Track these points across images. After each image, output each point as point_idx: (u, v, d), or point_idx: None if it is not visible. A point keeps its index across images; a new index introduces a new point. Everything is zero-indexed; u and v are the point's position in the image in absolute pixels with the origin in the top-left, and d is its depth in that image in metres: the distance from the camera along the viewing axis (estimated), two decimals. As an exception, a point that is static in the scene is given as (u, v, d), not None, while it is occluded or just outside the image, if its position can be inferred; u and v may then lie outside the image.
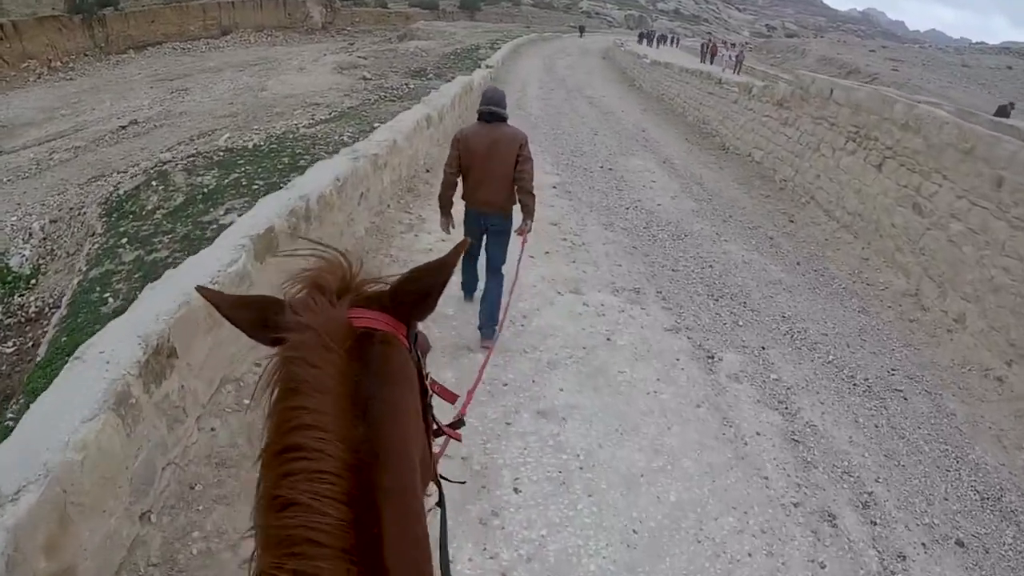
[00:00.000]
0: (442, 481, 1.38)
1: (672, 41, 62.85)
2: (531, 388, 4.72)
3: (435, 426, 1.31)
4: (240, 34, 69.74)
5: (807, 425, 4.97)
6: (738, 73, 27.67)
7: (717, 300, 6.92)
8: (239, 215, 9.62)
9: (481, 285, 5.46)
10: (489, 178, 5.00)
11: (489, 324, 5.19)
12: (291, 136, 15.19)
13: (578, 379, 4.93)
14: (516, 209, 5.25)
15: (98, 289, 8.94)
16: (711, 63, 35.26)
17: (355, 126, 15.35)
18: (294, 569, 0.76)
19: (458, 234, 5.48)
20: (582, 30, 70.32)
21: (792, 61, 48.12)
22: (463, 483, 2.47)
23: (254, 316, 1.02)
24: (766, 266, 8.11)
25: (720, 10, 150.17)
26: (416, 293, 1.04)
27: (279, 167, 12.08)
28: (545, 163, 11.09)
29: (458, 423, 1.55)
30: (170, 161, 14.64)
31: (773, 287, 7.51)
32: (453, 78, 22.42)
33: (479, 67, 22.91)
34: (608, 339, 5.62)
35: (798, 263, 8.45)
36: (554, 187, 9.93)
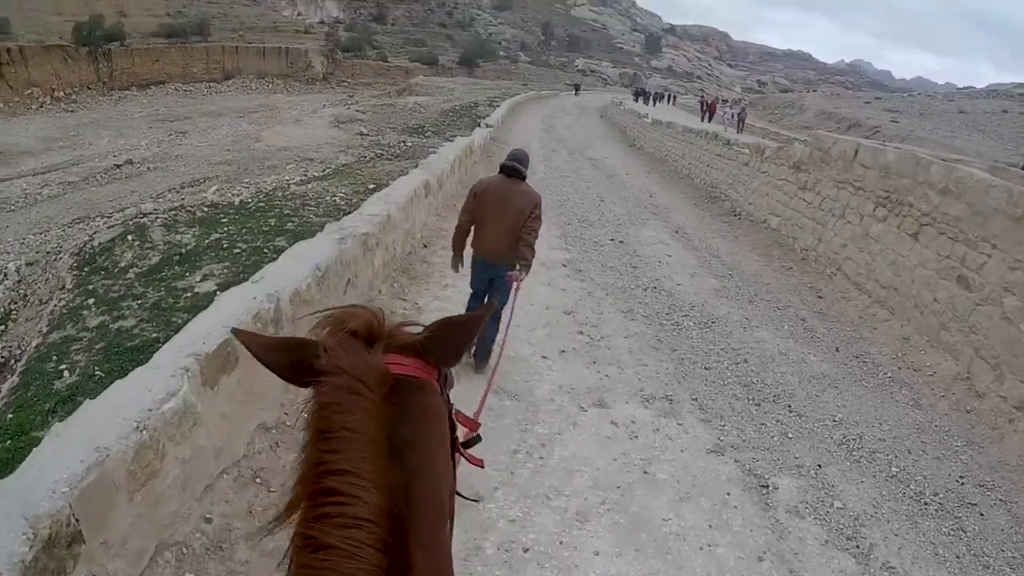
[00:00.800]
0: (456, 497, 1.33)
1: (669, 99, 63.33)
2: (559, 553, 3.74)
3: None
4: (242, 79, 70.70)
5: (885, 567, 4.12)
6: (741, 131, 27.22)
7: (759, 405, 5.99)
8: (216, 284, 8.73)
9: None
10: (499, 230, 5.22)
11: (482, 346, 5.59)
12: (281, 194, 14.34)
13: (615, 536, 3.96)
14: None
15: (55, 358, 7.96)
16: (710, 120, 34.99)
17: (348, 186, 14.55)
18: None
19: (466, 278, 5.87)
20: (577, 88, 70.10)
21: (790, 117, 48.21)
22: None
23: (288, 359, 1.01)
24: (804, 356, 7.23)
25: (712, 67, 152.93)
26: (446, 343, 1.05)
27: (264, 229, 11.25)
28: (552, 235, 10.32)
29: (473, 440, 1.52)
30: (151, 213, 13.73)
31: (817, 383, 6.63)
32: (452, 137, 21.84)
33: (478, 125, 22.38)
34: (645, 471, 4.66)
35: (837, 349, 7.59)
36: (564, 265, 9.12)
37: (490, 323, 5.41)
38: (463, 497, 1.38)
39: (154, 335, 6.65)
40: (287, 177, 17.50)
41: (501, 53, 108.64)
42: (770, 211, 12.73)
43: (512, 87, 60.26)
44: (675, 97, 67.32)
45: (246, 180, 18.39)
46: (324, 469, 0.85)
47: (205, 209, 13.21)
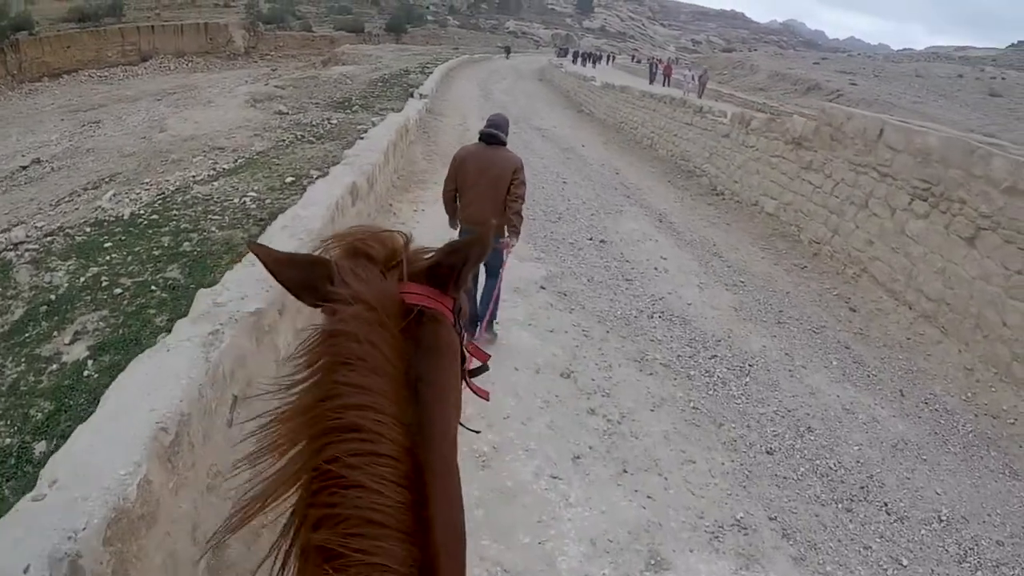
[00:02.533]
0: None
1: (607, 59, 61.33)
2: None
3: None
4: (160, 60, 66.92)
5: None
6: (701, 96, 25.58)
7: (850, 510, 4.26)
8: (88, 348, 7.11)
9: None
10: (482, 198, 5.17)
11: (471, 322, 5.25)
12: (181, 198, 11.98)
13: None
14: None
15: None
16: (666, 85, 33.27)
17: (262, 181, 12.29)
18: (359, 548, 0.75)
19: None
20: (508, 51, 66.66)
21: (741, 78, 46.22)
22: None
23: (301, 276, 0.95)
24: (872, 410, 5.52)
25: (645, 27, 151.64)
26: (457, 268, 1.01)
27: (154, 254, 9.05)
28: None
29: (480, 370, 1.41)
30: (21, 243, 11.13)
31: (901, 455, 4.99)
32: (383, 111, 19.49)
33: (411, 96, 19.96)
34: None
35: (901, 393, 5.91)
36: (543, 287, 7.05)
37: (488, 285, 5.42)
38: (465, 428, 1.23)
39: (7, 440, 5.41)
40: (193, 173, 14.94)
41: (429, 18, 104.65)
42: (763, 192, 10.94)
43: (443, 52, 57.28)
44: (613, 57, 65.23)
45: (146, 180, 15.71)
46: (343, 403, 0.81)
47: (87, 230, 10.89)
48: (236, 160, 14.95)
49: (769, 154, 10.90)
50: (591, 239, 8.93)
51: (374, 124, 17.23)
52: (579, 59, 51.19)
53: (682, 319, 6.68)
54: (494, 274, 5.38)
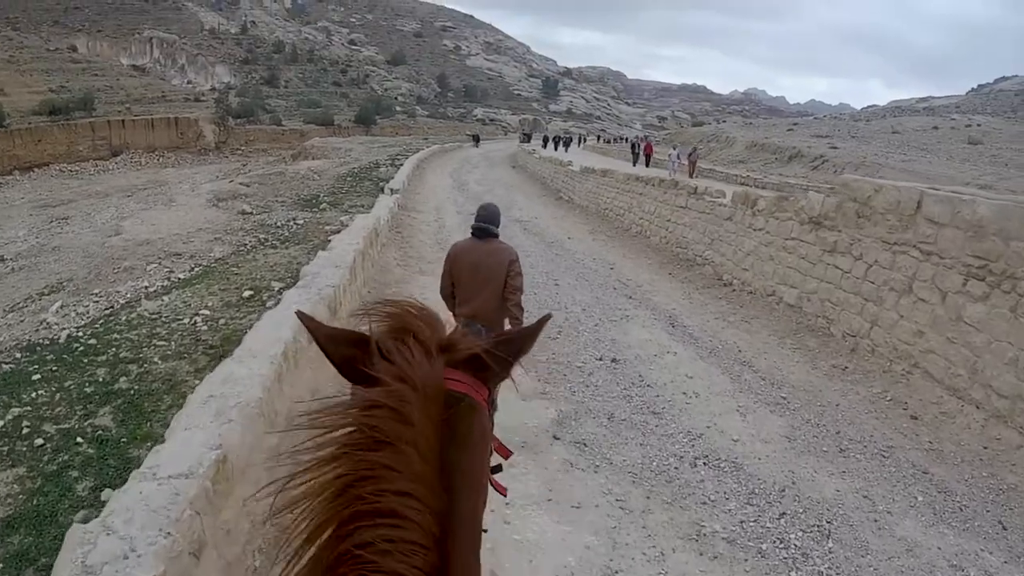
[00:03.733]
0: None
1: (579, 140, 61.70)
2: None
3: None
4: (130, 155, 66.08)
5: None
6: (693, 176, 24.91)
7: None
8: None
9: None
10: (479, 293, 4.98)
11: None
12: (125, 317, 10.75)
13: None
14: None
15: None
16: (647, 165, 32.72)
17: (218, 295, 11.12)
18: None
19: None
20: (477, 139, 64.51)
21: (718, 151, 45.89)
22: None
23: (347, 352, 0.95)
24: (982, 559, 4.41)
25: (611, 106, 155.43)
26: (502, 361, 1.00)
27: (86, 391, 7.89)
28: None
29: (496, 468, 1.52)
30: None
31: None
32: (352, 209, 18.47)
33: (381, 191, 18.95)
34: None
35: (1002, 525, 4.79)
36: (556, 437, 5.68)
37: None
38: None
39: None
40: (145, 283, 13.63)
41: (398, 108, 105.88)
42: (780, 280, 9.80)
43: (413, 143, 57.18)
44: (583, 138, 65.54)
45: (96, 291, 14.41)
46: (381, 488, 0.79)
47: (17, 356, 9.57)
48: (193, 268, 13.69)
49: (783, 237, 9.84)
50: (600, 359, 7.62)
51: (343, 224, 16.13)
52: (549, 143, 51.16)
53: (731, 463, 5.35)
54: None
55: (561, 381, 6.93)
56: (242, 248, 14.86)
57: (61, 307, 13.18)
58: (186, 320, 9.51)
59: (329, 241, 10.55)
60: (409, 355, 0.89)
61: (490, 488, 1.28)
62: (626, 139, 73.85)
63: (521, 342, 1.03)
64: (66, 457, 6.21)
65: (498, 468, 1.55)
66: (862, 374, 7.42)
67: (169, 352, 8.24)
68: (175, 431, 3.22)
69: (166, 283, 12.78)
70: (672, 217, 14.09)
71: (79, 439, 6.45)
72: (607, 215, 18.94)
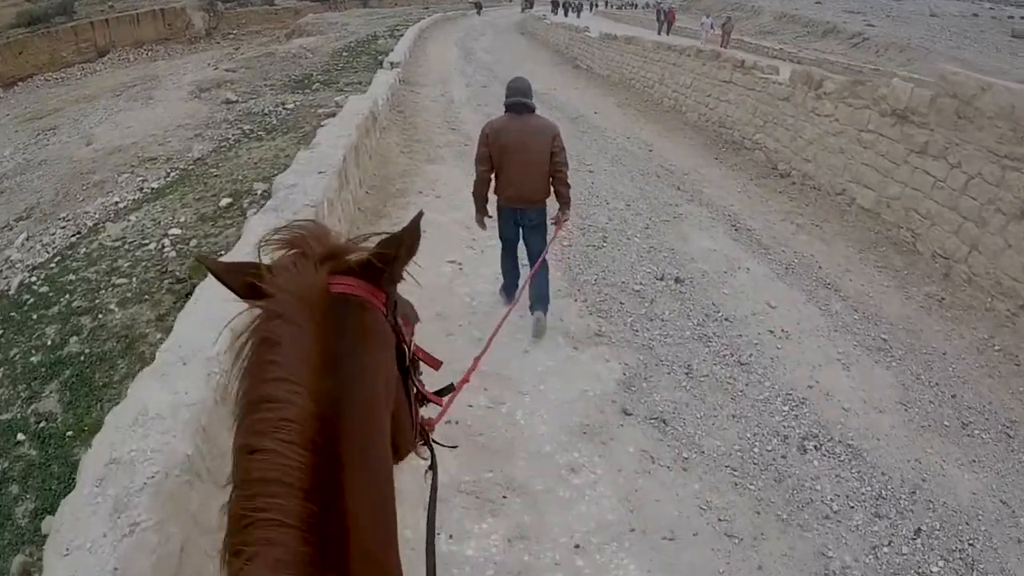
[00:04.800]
0: (436, 446, 1.43)
1: (591, 6, 57.53)
2: None
3: (419, 392, 1.34)
4: (118, 53, 61.55)
5: None
6: (726, 47, 22.51)
7: None
8: None
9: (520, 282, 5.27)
10: (524, 173, 4.74)
11: (540, 303, 5.02)
12: (84, 250, 9.53)
13: None
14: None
15: None
16: (667, 33, 29.97)
17: (193, 205, 9.99)
18: (255, 506, 0.77)
19: (492, 229, 5.23)
20: (479, 7, 59.14)
21: (743, 21, 41.86)
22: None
23: (244, 279, 0.98)
24: None
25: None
26: (390, 261, 1.03)
27: (32, 360, 6.92)
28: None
29: (446, 389, 1.56)
30: None
31: None
32: (347, 87, 16.58)
33: (380, 65, 16.87)
34: None
35: None
36: (626, 413, 4.29)
37: (540, 273, 4.92)
38: (440, 444, 1.43)
39: None
40: (116, 198, 12.15)
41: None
42: (852, 178, 8.21)
43: (413, 12, 53.60)
44: (595, 5, 60.55)
45: (64, 214, 12.93)
46: (263, 378, 0.86)
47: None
48: (168, 174, 12.15)
49: (857, 128, 8.21)
50: (662, 278, 6.23)
51: (338, 105, 14.20)
52: (560, 9, 47.22)
53: (847, 447, 4.11)
54: (538, 256, 4.86)
55: (618, 314, 5.57)
56: (224, 144, 13.26)
57: (27, 239, 11.76)
58: (152, 245, 8.16)
59: (322, 126, 8.92)
60: (293, 269, 0.95)
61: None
62: (636, 5, 69.46)
63: (404, 239, 1.03)
64: (6, 464, 5.21)
65: (447, 389, 1.53)
66: (961, 309, 6.02)
67: (129, 293, 6.92)
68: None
69: (138, 195, 11.34)
70: (713, 92, 12.26)
71: (20, 435, 5.40)
72: (632, 86, 16.95)
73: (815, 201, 8.65)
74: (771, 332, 5.37)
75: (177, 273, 7.21)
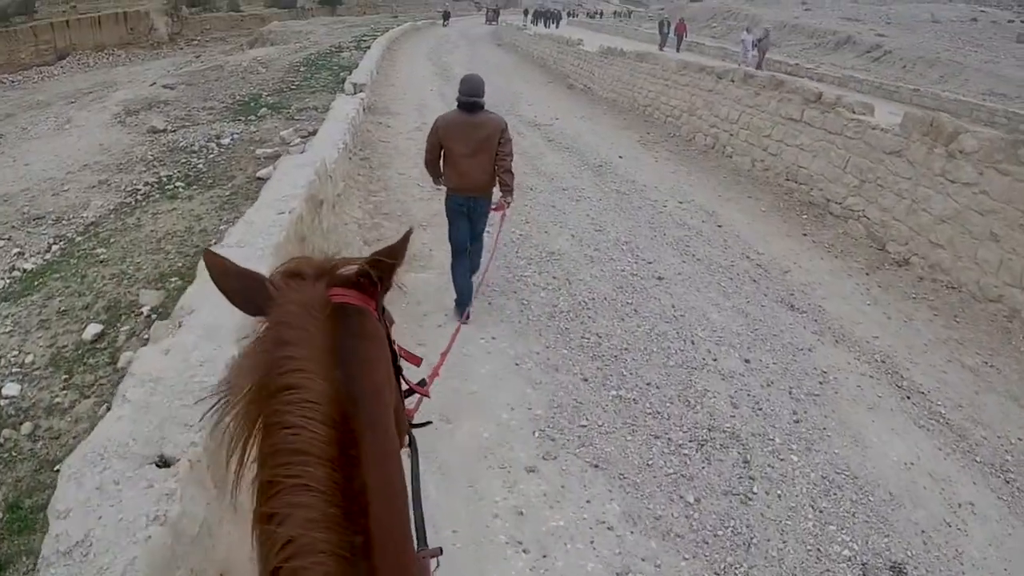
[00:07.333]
0: (413, 430, 1.55)
1: (568, 15, 55.28)
2: None
3: (404, 385, 1.42)
4: (77, 56, 59.56)
5: None
6: (761, 68, 19.94)
7: None
8: None
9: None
10: (474, 166, 5.08)
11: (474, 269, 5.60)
12: None
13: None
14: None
15: None
16: (678, 49, 27.33)
17: (54, 326, 7.01)
18: (289, 473, 0.82)
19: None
20: (447, 16, 54.74)
21: (739, 31, 39.27)
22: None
23: (239, 287, 1.06)
24: None
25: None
26: (381, 272, 1.10)
27: None
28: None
29: (419, 384, 1.63)
30: None
31: None
32: (300, 112, 13.70)
33: (342, 88, 13.76)
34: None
35: None
36: None
37: (474, 254, 5.57)
38: (417, 425, 1.57)
39: None
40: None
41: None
42: (1013, 279, 5.55)
43: (382, 21, 50.68)
44: (573, 13, 58.00)
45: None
46: (281, 371, 0.90)
47: None
48: (50, 247, 9.06)
49: (930, 170, 6.54)
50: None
51: (283, 140, 11.21)
52: (541, 20, 44.48)
53: None
54: (479, 237, 5.54)
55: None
56: (129, 200, 10.18)
57: None
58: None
59: (258, 178, 6.65)
60: (294, 284, 1.02)
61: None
62: (601, 14, 68.30)
63: (393, 254, 1.11)
64: None
65: (421, 382, 1.64)
66: None
67: None
68: None
69: (4, 283, 8.24)
70: (774, 133, 9.49)
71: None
72: (650, 115, 14.16)
73: (961, 310, 5.91)
74: None
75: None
